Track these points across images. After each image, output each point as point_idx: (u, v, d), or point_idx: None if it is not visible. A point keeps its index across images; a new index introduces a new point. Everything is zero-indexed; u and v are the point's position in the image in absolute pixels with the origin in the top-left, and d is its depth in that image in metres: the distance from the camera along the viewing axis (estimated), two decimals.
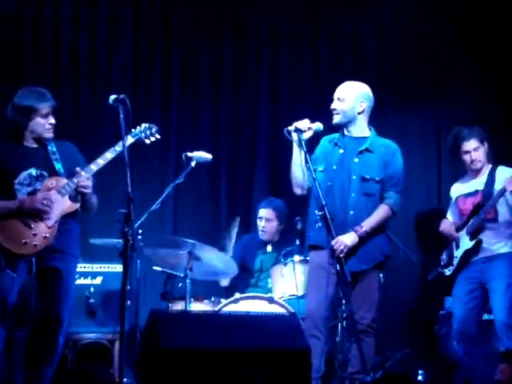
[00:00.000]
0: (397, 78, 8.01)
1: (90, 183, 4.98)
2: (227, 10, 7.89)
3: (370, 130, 5.44)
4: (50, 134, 5.08)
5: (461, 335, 5.82)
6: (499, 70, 7.78)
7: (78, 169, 4.98)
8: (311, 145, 5.42)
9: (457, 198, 6.09)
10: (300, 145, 5.23)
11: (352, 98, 5.34)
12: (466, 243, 5.85)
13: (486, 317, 6.14)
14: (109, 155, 5.02)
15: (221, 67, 7.84)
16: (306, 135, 5.24)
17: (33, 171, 5.02)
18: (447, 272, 5.95)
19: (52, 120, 5.05)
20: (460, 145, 5.99)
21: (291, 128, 5.24)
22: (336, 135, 5.46)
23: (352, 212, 5.24)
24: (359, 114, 5.36)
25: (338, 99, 5.36)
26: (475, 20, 7.91)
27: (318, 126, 5.28)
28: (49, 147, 5.10)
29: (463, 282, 5.86)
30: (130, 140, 5.17)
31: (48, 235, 4.92)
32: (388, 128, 7.55)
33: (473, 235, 5.82)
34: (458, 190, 6.11)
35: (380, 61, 8.03)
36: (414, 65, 7.99)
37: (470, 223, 5.87)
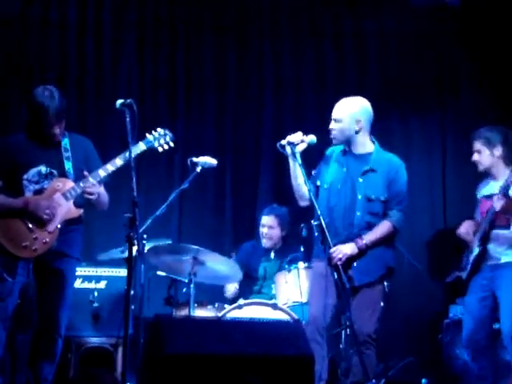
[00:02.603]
0: (400, 85, 8.00)
1: (96, 189, 4.97)
2: (230, 12, 7.90)
3: (374, 142, 5.42)
4: (56, 139, 5.08)
5: (470, 342, 5.76)
6: (504, 77, 7.78)
7: (85, 173, 4.98)
8: (310, 156, 5.43)
9: (480, 198, 5.96)
10: (294, 158, 5.22)
11: (348, 117, 5.30)
12: (475, 249, 5.79)
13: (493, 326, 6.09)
14: (119, 161, 5.02)
15: (225, 72, 7.86)
16: (300, 148, 5.23)
17: (42, 169, 5.02)
18: (463, 275, 5.87)
19: (56, 130, 5.02)
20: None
21: (284, 142, 5.23)
22: (338, 149, 5.44)
23: (356, 230, 5.23)
24: (357, 132, 5.33)
25: (335, 120, 5.34)
26: (479, 25, 7.91)
27: (311, 138, 5.25)
28: (62, 143, 5.10)
29: (476, 289, 5.78)
30: (142, 147, 5.17)
31: (48, 240, 4.92)
32: (392, 137, 7.58)
33: (480, 242, 5.77)
34: (481, 189, 5.99)
35: (383, 66, 8.04)
36: (417, 72, 8.00)
37: (480, 229, 5.82)
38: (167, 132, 5.31)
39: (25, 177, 4.98)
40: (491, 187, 5.86)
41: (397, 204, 5.31)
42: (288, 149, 5.23)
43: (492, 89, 7.90)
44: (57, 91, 5.03)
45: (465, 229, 5.90)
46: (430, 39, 8.00)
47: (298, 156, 5.20)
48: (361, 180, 5.28)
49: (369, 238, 5.19)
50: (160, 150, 5.29)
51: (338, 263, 5.02)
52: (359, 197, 5.25)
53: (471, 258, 5.78)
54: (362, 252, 5.18)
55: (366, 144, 5.38)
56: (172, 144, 5.32)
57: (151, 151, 5.27)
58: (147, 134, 5.23)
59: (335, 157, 5.43)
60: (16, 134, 5.16)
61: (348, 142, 5.35)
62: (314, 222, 5.10)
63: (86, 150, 5.21)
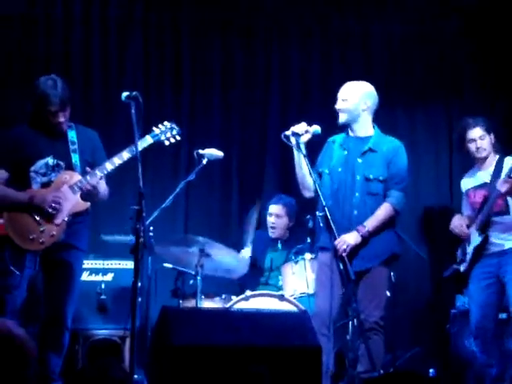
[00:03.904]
0: (406, 77, 7.99)
1: (99, 187, 4.98)
2: (237, 8, 7.88)
3: (374, 127, 5.45)
4: (60, 129, 5.07)
5: (479, 331, 5.76)
6: (509, 66, 7.77)
7: (87, 169, 4.99)
8: (314, 146, 5.43)
9: (467, 191, 6.04)
10: (299, 149, 5.23)
11: (355, 97, 5.36)
12: (475, 239, 5.79)
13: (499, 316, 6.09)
14: (125, 155, 5.03)
15: (231, 64, 7.83)
16: (304, 138, 5.25)
17: (50, 160, 5.03)
18: (461, 268, 5.90)
19: (60, 119, 5.03)
20: (465, 134, 5.97)
21: (288, 133, 5.24)
22: (341, 136, 5.46)
23: (356, 212, 5.25)
24: (363, 111, 5.37)
25: (342, 99, 5.38)
26: (484, 18, 7.90)
27: (316, 128, 5.27)
28: (69, 136, 5.11)
29: (479, 278, 5.78)
30: (148, 140, 5.18)
31: (55, 233, 4.93)
32: (398, 127, 7.57)
33: (481, 230, 5.76)
34: (467, 183, 6.07)
35: (389, 60, 8.02)
36: (423, 63, 7.99)
37: (478, 218, 5.83)
38: (174, 125, 5.32)
39: (32, 169, 4.99)
40: (479, 177, 5.95)
41: (396, 184, 5.32)
42: (292, 139, 5.24)
43: (496, 88, 7.91)
44: (60, 80, 5.05)
45: (458, 223, 5.93)
46: (435, 37, 7.98)
47: (302, 147, 5.22)
48: (360, 160, 5.31)
49: (370, 223, 5.20)
50: (166, 143, 5.29)
51: (344, 254, 5.03)
52: (358, 177, 5.28)
53: (470, 248, 5.81)
54: (366, 239, 5.19)
55: (367, 127, 5.43)
56: (178, 137, 5.33)
57: (158, 144, 5.28)
58: (154, 128, 5.24)
59: (338, 142, 5.44)
60: (19, 125, 5.18)
61: (352, 123, 5.38)
62: (319, 213, 5.11)
63: (93, 142, 5.22)
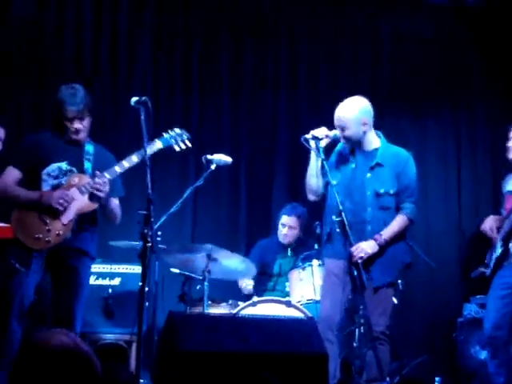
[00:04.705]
0: (414, 84, 8.00)
1: (106, 188, 4.99)
2: (246, 10, 7.89)
3: (379, 137, 5.42)
4: (75, 137, 5.10)
5: (491, 339, 5.72)
6: None
7: (97, 172, 5.01)
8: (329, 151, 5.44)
9: (506, 193, 5.88)
10: (318, 153, 5.23)
11: (353, 123, 5.25)
12: (498, 249, 5.71)
13: None
14: (135, 158, 5.03)
15: (241, 70, 7.84)
16: (324, 143, 5.25)
17: (63, 165, 5.06)
18: (487, 272, 5.83)
19: (76, 125, 5.06)
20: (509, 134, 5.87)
21: (308, 136, 5.24)
22: (348, 147, 5.43)
23: (370, 227, 5.22)
24: (365, 130, 5.30)
25: (341, 128, 5.29)
26: (494, 27, 7.90)
27: (335, 133, 5.27)
28: (86, 147, 5.15)
29: (496, 287, 5.75)
30: (158, 145, 5.18)
31: (61, 232, 4.95)
32: (406, 137, 7.55)
33: (503, 241, 5.70)
34: (506, 185, 5.90)
35: (398, 65, 8.03)
36: (432, 71, 7.99)
37: (503, 227, 5.74)
38: (184, 131, 5.33)
39: (44, 171, 5.03)
40: None
41: (408, 196, 5.30)
42: (312, 143, 5.24)
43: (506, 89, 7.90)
44: (82, 89, 5.10)
45: (488, 225, 5.82)
46: (444, 38, 7.98)
47: (321, 151, 5.21)
48: (369, 175, 5.28)
49: (387, 233, 5.18)
50: (176, 148, 5.30)
51: (359, 261, 5.02)
52: (368, 193, 5.25)
53: (494, 256, 5.75)
54: (382, 248, 5.18)
55: (373, 140, 5.37)
56: (189, 144, 5.33)
57: (167, 149, 5.29)
58: (164, 133, 5.25)
59: (345, 154, 5.43)
60: (44, 131, 5.24)
61: (357, 143, 5.35)
62: (335, 218, 5.09)
63: (109, 162, 5.23)
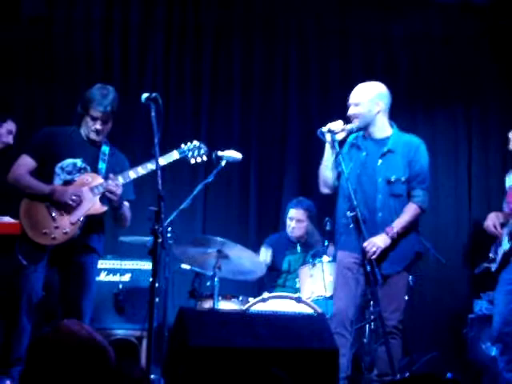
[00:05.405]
0: (426, 80, 7.98)
1: (119, 191, 5.01)
2: (257, 10, 7.89)
3: (392, 126, 5.42)
4: (94, 137, 5.13)
5: (500, 335, 5.71)
6: None
7: (110, 175, 5.03)
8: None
9: (509, 187, 5.85)
10: (333, 146, 5.24)
11: (367, 100, 5.31)
12: (505, 243, 5.71)
13: None
14: (150, 166, 5.07)
15: (251, 67, 7.84)
16: (339, 136, 5.26)
17: (78, 162, 5.09)
18: (492, 268, 5.81)
19: (97, 125, 5.09)
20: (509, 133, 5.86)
21: (325, 129, 5.24)
22: (358, 137, 5.43)
23: (380, 214, 5.22)
24: (377, 113, 5.33)
25: (355, 104, 5.34)
26: (503, 23, 7.87)
27: (352, 126, 5.28)
28: (102, 148, 5.18)
29: (503, 283, 5.73)
30: (175, 156, 5.26)
31: (69, 231, 4.96)
32: (418, 131, 7.54)
33: (510, 236, 5.68)
34: (510, 179, 5.89)
35: (410, 63, 8.02)
36: (444, 68, 7.97)
37: (510, 222, 5.73)
38: (202, 145, 5.38)
39: (59, 165, 5.06)
40: None
41: (419, 183, 5.29)
42: (328, 136, 5.25)
43: None
44: (113, 92, 5.15)
45: (492, 222, 5.80)
46: (457, 37, 7.96)
47: (336, 144, 5.22)
48: (380, 162, 5.28)
49: (399, 224, 5.18)
50: (192, 161, 5.36)
51: (373, 257, 5.02)
52: (379, 180, 5.25)
53: (500, 251, 5.72)
54: (394, 241, 5.18)
55: (384, 128, 5.38)
56: (205, 158, 5.39)
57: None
58: (182, 144, 5.31)
59: (356, 143, 5.43)
60: (69, 126, 5.27)
61: (368, 126, 5.35)
62: (349, 213, 5.08)
63: (123, 166, 5.26)
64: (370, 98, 5.31)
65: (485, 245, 5.91)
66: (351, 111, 5.34)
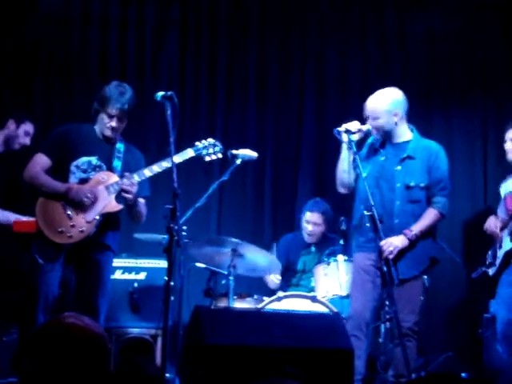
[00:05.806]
0: (443, 79, 7.94)
1: (134, 189, 5.01)
2: (273, 7, 7.88)
3: (412, 130, 5.39)
4: (109, 134, 5.14)
5: (505, 337, 5.72)
6: None
7: (126, 174, 5.03)
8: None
9: (505, 194, 5.90)
10: (349, 146, 5.22)
11: (384, 112, 5.28)
12: (507, 244, 5.71)
13: None
14: (165, 164, 5.07)
15: (267, 66, 7.83)
16: (356, 137, 5.24)
17: (93, 160, 5.10)
18: (490, 272, 5.83)
19: (113, 123, 5.10)
20: (506, 134, 5.86)
21: (341, 129, 5.23)
22: (378, 139, 5.41)
23: (397, 220, 5.21)
24: (396, 121, 5.30)
25: (372, 118, 5.30)
26: None
27: (368, 127, 5.26)
28: (117, 145, 5.18)
29: (505, 285, 5.74)
30: (190, 153, 5.26)
31: (85, 229, 4.97)
32: (434, 130, 7.51)
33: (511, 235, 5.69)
34: (506, 186, 5.93)
35: (427, 62, 7.97)
36: (461, 66, 7.92)
37: (510, 223, 5.72)
38: (217, 143, 5.38)
39: (74, 163, 5.08)
40: None
41: (440, 190, 5.28)
42: (344, 136, 5.23)
43: None
44: (130, 91, 5.15)
45: (493, 223, 5.83)
46: (474, 34, 7.91)
47: (353, 144, 5.20)
48: (399, 168, 5.26)
49: (418, 228, 5.17)
50: (207, 159, 5.36)
51: (390, 257, 5.00)
52: (398, 185, 5.24)
53: (500, 253, 5.72)
54: (412, 243, 5.16)
55: (404, 133, 5.37)
56: (220, 156, 5.39)
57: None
58: (197, 142, 5.31)
59: (375, 146, 5.41)
60: (86, 123, 5.28)
61: (388, 135, 5.33)
62: (366, 212, 5.06)
63: (139, 162, 5.28)
64: (386, 109, 5.28)
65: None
66: (371, 124, 5.30)
